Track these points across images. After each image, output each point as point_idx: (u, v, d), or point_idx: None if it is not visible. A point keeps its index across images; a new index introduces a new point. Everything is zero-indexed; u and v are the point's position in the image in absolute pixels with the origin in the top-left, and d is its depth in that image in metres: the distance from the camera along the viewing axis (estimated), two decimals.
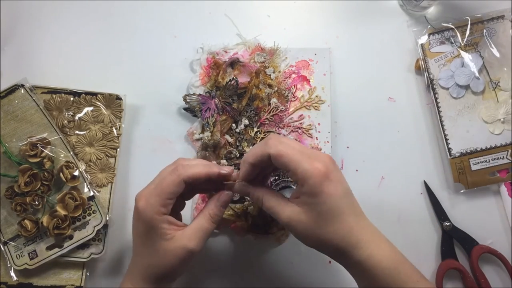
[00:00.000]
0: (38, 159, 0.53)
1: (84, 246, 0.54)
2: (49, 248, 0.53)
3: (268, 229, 0.55)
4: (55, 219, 0.52)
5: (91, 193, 0.54)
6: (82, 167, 0.55)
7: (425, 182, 0.59)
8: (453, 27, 0.60)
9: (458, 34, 0.60)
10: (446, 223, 0.57)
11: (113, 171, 0.56)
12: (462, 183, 0.58)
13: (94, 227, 0.54)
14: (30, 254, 0.53)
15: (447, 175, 0.59)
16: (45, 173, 0.53)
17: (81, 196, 0.53)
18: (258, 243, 0.57)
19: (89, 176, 0.55)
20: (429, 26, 0.61)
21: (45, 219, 0.52)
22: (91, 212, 0.54)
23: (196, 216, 0.45)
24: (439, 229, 0.58)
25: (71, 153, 0.55)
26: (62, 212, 0.52)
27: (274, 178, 0.57)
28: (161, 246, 0.43)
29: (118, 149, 0.57)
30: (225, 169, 0.45)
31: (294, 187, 0.55)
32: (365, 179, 0.59)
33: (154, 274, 0.44)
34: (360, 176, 0.59)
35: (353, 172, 0.59)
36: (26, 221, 0.52)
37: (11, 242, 0.53)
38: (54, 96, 0.56)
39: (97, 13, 0.63)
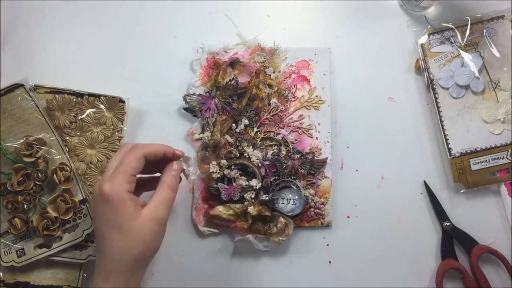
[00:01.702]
0: (33, 159, 0.53)
1: (82, 247, 0.54)
2: (38, 247, 0.53)
3: (268, 229, 0.55)
4: (45, 220, 0.52)
5: (84, 197, 0.54)
6: (77, 167, 0.55)
7: (425, 182, 0.59)
8: (453, 27, 0.60)
9: (458, 34, 0.60)
10: (446, 223, 0.57)
11: None
12: (462, 183, 0.58)
13: (83, 230, 0.54)
14: (18, 252, 0.53)
15: (447, 175, 0.59)
16: (39, 174, 0.53)
17: (73, 199, 0.53)
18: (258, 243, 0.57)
19: (77, 171, 0.55)
20: (429, 26, 0.61)
21: (35, 219, 0.52)
22: (81, 215, 0.54)
23: (155, 190, 0.48)
24: (439, 229, 0.58)
25: (67, 155, 0.55)
26: (52, 213, 0.52)
27: (274, 178, 0.57)
28: (131, 225, 0.44)
29: None
30: (179, 151, 0.51)
31: (294, 187, 0.55)
32: (365, 179, 0.59)
33: (130, 260, 0.44)
34: (360, 176, 0.59)
35: (353, 172, 0.59)
36: (17, 220, 0.52)
37: (0, 238, 0.53)
38: (57, 96, 0.56)
39: (96, 13, 0.63)
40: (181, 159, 0.51)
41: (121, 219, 0.44)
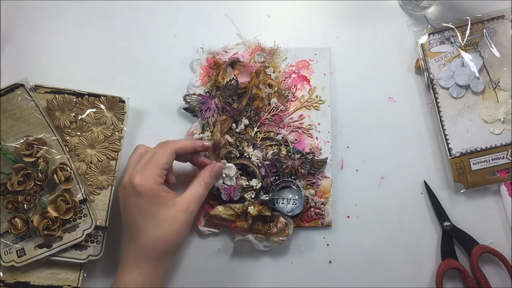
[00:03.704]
0: (33, 159, 0.53)
1: (82, 247, 0.54)
2: (38, 247, 0.53)
3: (268, 229, 0.55)
4: (45, 220, 0.52)
5: (84, 197, 0.54)
6: (78, 167, 0.55)
7: (425, 182, 0.59)
8: (453, 27, 0.60)
9: (458, 34, 0.60)
10: (446, 223, 0.57)
11: (114, 173, 0.56)
12: (462, 183, 0.58)
13: (83, 230, 0.54)
14: (18, 252, 0.53)
15: (447, 175, 0.59)
16: (39, 174, 0.53)
17: (73, 199, 0.53)
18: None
19: (77, 171, 0.55)
20: (429, 26, 0.61)
21: (35, 219, 0.52)
22: (81, 215, 0.54)
23: (191, 183, 0.51)
24: (439, 229, 0.58)
25: (67, 155, 0.55)
26: (53, 213, 0.52)
27: (274, 178, 0.57)
28: (166, 213, 0.47)
29: (120, 152, 0.57)
30: (207, 142, 0.54)
31: (295, 187, 0.55)
32: (365, 179, 0.59)
33: (162, 247, 0.47)
34: (360, 176, 0.59)
35: (353, 172, 0.59)
36: (17, 219, 0.52)
37: (0, 238, 0.53)
38: (57, 96, 0.56)
39: (96, 13, 0.63)
40: (226, 165, 0.54)
41: (155, 208, 0.46)
